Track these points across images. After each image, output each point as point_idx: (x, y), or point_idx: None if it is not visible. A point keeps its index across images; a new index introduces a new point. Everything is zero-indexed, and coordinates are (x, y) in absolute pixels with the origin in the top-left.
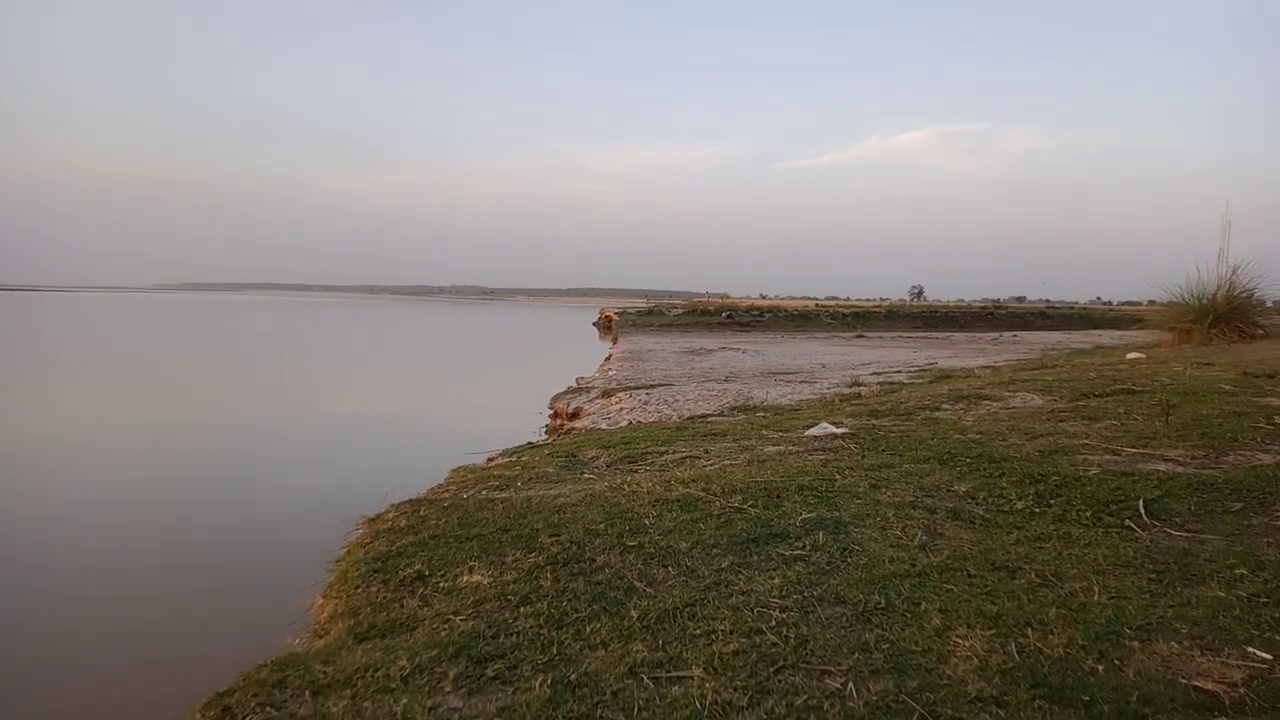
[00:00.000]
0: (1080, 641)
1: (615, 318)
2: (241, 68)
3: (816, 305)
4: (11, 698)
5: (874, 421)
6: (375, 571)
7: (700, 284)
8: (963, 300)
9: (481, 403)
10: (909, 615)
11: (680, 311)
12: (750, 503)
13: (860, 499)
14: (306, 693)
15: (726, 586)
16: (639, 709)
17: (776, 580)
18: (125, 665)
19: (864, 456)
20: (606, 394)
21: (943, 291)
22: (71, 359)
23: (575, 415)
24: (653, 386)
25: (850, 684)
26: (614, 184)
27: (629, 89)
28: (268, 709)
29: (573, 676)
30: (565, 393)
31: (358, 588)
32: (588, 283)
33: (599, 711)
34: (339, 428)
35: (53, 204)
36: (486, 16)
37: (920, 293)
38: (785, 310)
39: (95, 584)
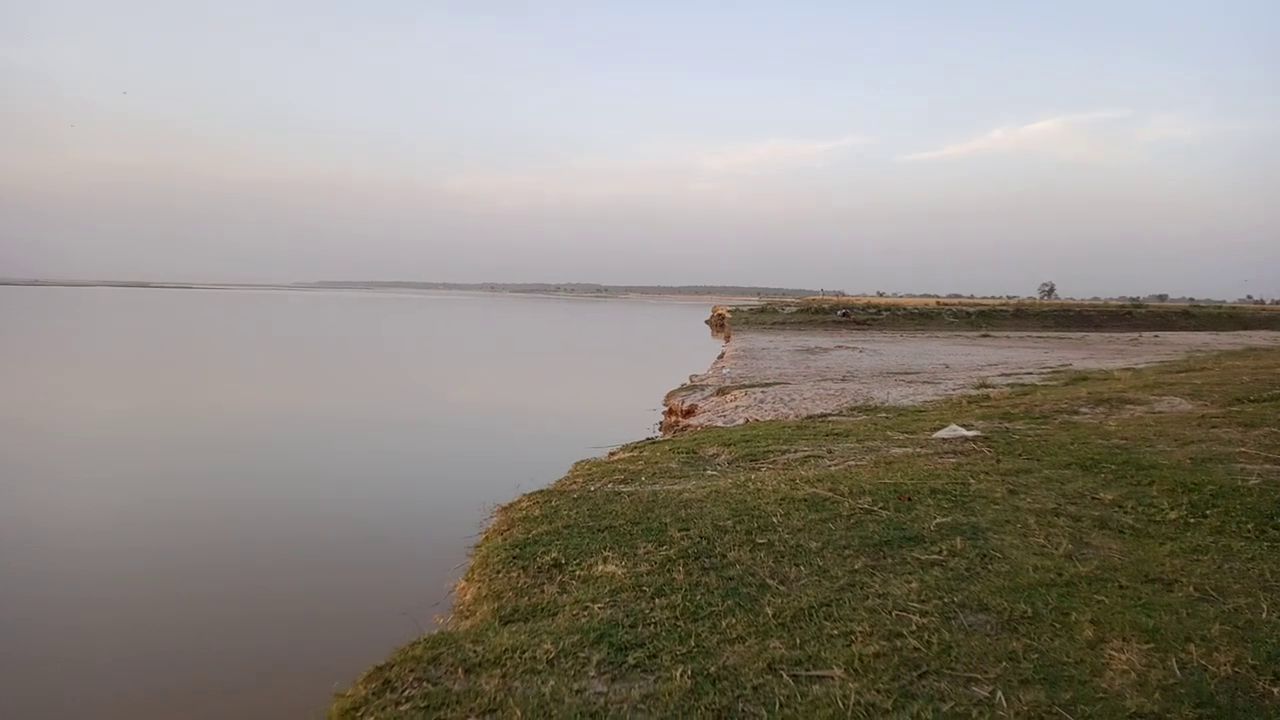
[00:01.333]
0: (1250, 661)
1: (728, 315)
2: (386, 74)
3: (938, 303)
4: (210, 665)
5: (1007, 424)
6: (514, 558)
7: (814, 281)
8: (1098, 298)
9: (597, 398)
10: (1058, 626)
11: (794, 309)
12: (880, 505)
13: (998, 504)
14: (459, 670)
15: (861, 588)
16: (780, 705)
17: (914, 584)
18: (294, 640)
19: (999, 461)
20: (721, 391)
21: (1075, 289)
22: (244, 356)
23: (690, 412)
24: (768, 385)
25: (999, 693)
26: (726, 181)
27: (743, 86)
28: (424, 684)
29: (712, 669)
30: (680, 390)
31: (499, 573)
32: (700, 281)
33: (740, 705)
34: (468, 420)
35: (216, 206)
36: (606, 19)
37: (1051, 290)
38: (904, 308)
39: (269, 563)
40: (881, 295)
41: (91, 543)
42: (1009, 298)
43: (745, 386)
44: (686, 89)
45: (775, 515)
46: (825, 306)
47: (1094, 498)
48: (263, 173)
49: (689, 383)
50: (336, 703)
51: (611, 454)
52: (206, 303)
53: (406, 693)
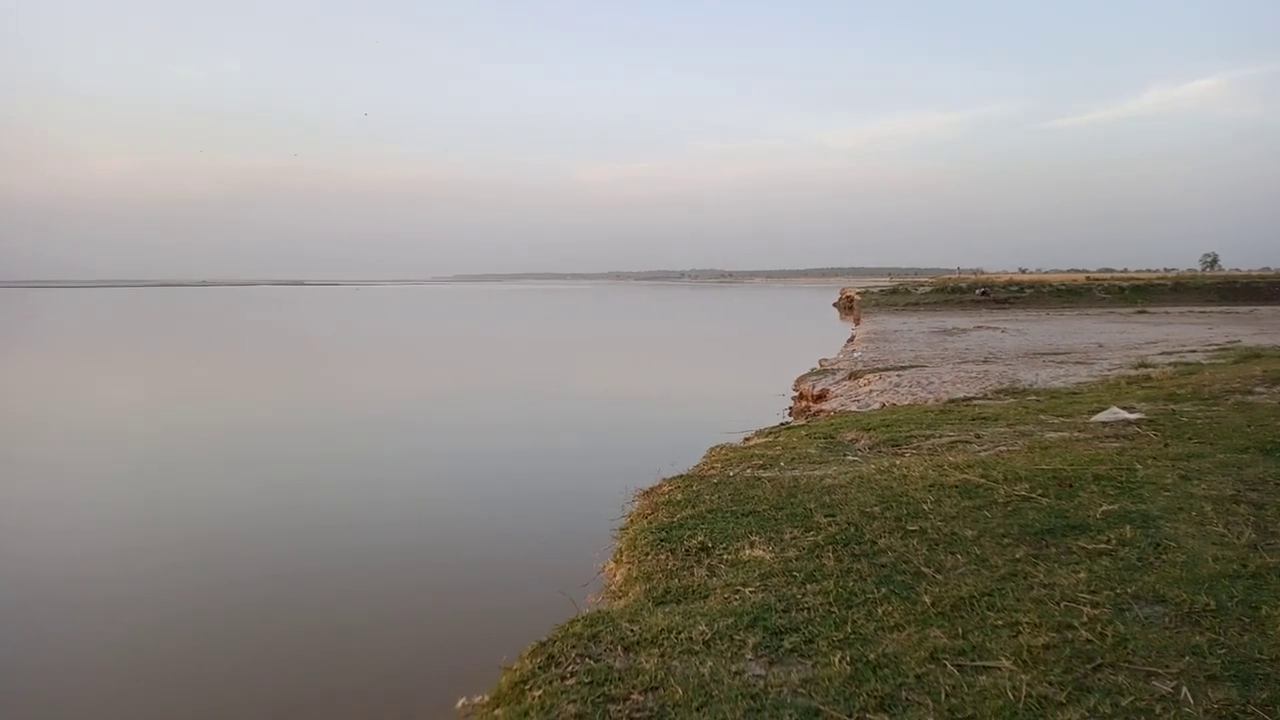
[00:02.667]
0: None
1: (857, 298)
2: (508, 71)
3: (1087, 279)
4: (391, 635)
5: (1173, 406)
6: (661, 541)
7: (949, 259)
8: (1268, 269)
9: (724, 383)
10: (1246, 620)
11: (928, 289)
12: (1039, 491)
13: (1169, 491)
14: (618, 648)
15: (1024, 578)
16: (946, 695)
17: (1081, 575)
18: (462, 614)
19: (1166, 445)
20: (853, 376)
21: (1242, 260)
22: (398, 346)
23: (821, 397)
24: (903, 368)
25: (1184, 688)
26: (854, 159)
27: (868, 56)
28: (586, 660)
29: (871, 656)
30: (809, 374)
31: (647, 555)
32: (826, 263)
33: (903, 693)
34: (604, 407)
35: (355, 206)
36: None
37: (1214, 261)
38: (1049, 285)
39: (435, 543)
40: (1024, 272)
41: (304, 518)
42: (1166, 270)
43: (879, 370)
44: (813, 64)
45: (925, 502)
46: (962, 285)
47: (1279, 484)
48: (409, 170)
49: (818, 367)
50: (505, 675)
51: (746, 439)
52: (358, 298)
53: (570, 668)
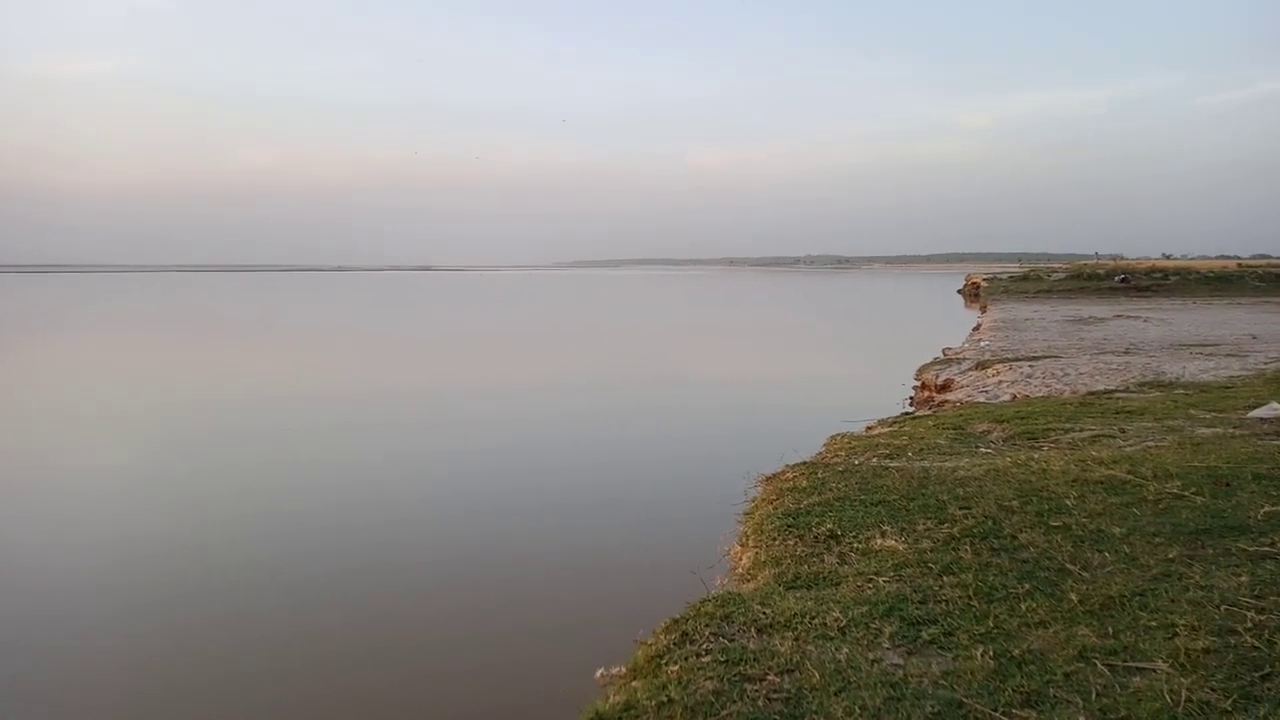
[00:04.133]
0: None
1: (983, 284)
2: (627, 61)
3: (1239, 266)
4: (540, 615)
5: None
6: (789, 527)
7: (1085, 245)
8: None
9: (839, 371)
10: None
11: (1062, 275)
12: (1192, 490)
13: None
14: (752, 629)
15: (1179, 579)
16: (1096, 694)
17: (1244, 578)
18: (595, 590)
19: None
20: (980, 366)
21: None
22: (529, 331)
23: (946, 387)
24: (1035, 358)
25: None
26: (980, 140)
27: (999, 29)
28: (720, 639)
29: (1015, 652)
30: (932, 364)
31: (775, 540)
32: (951, 248)
33: (1050, 690)
34: (721, 391)
35: (487, 194)
36: None
37: None
38: (1196, 272)
39: (568, 521)
40: (1168, 258)
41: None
42: None
43: (1008, 360)
44: (940, 40)
45: (1068, 498)
46: (1100, 272)
47: None
48: (542, 158)
49: (941, 356)
50: (640, 649)
51: (869, 428)
52: (487, 284)
53: (705, 646)
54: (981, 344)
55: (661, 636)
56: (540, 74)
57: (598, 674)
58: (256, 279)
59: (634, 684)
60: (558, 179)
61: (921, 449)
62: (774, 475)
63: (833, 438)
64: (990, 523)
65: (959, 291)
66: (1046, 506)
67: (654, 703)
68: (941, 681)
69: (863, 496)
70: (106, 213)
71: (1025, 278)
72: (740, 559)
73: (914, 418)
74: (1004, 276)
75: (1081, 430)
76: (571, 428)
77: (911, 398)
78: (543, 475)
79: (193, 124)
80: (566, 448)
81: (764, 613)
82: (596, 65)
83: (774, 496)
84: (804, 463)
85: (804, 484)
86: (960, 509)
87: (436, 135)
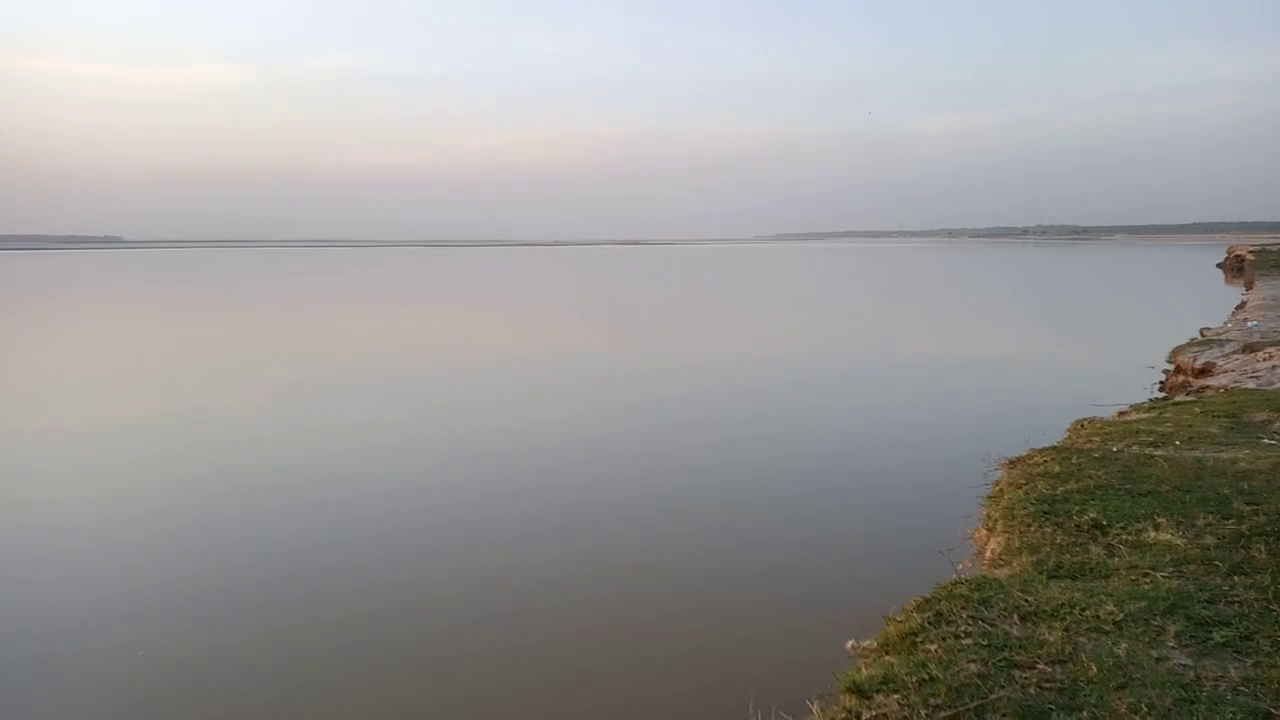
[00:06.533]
0: None
1: (1250, 258)
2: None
3: None
4: (785, 588)
5: None
6: (1044, 514)
7: None
8: None
9: (1079, 352)
10: None
11: None
12: None
13: None
14: (1014, 616)
15: None
16: None
17: None
18: (838, 562)
19: None
20: (1248, 348)
21: None
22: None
23: (1206, 371)
24: None
25: None
26: (1247, 92)
27: None
28: (979, 623)
29: None
30: (1189, 345)
31: (1029, 526)
32: (1209, 216)
33: None
34: (949, 372)
35: (695, 169)
36: None
37: None
38: None
39: (817, 493)
40: None
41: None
42: None
43: None
44: None
45: None
46: None
47: None
48: (737, 129)
49: (1199, 337)
50: (891, 625)
51: (1121, 413)
52: (696, 258)
53: (963, 628)
54: (1249, 324)
55: (914, 614)
56: (782, 48)
57: (849, 645)
58: (496, 254)
59: (888, 658)
60: (762, 152)
61: (1191, 437)
62: (1019, 459)
63: (1078, 422)
64: None
65: (1219, 265)
66: None
67: (914, 679)
68: (1242, 688)
69: (1127, 486)
70: (380, 194)
71: None
72: (988, 543)
73: (1176, 404)
74: (1275, 249)
75: None
76: (801, 410)
77: (1162, 382)
78: (774, 452)
79: (435, 108)
80: (812, 425)
81: (1026, 600)
82: (821, 38)
83: (1022, 481)
84: (1054, 447)
85: (1056, 469)
86: (1248, 505)
87: (655, 115)
